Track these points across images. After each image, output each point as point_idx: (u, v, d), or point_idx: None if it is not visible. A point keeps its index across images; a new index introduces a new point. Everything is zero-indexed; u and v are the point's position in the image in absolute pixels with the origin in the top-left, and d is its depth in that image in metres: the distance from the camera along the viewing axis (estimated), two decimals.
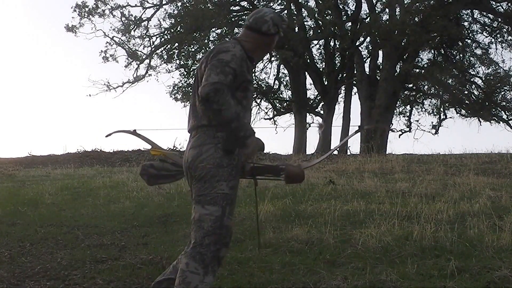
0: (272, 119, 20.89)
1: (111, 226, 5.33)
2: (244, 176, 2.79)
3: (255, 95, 18.71)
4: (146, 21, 19.31)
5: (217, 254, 2.58)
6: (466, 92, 19.04)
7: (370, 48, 19.04)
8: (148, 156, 12.31)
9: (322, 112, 19.79)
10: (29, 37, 36.15)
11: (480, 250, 3.95)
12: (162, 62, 19.29)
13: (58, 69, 37.31)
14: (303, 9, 18.51)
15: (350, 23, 19.05)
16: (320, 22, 18.42)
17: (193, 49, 19.00)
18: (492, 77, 18.45)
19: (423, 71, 18.24)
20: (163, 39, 19.38)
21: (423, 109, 20.23)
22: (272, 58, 19.50)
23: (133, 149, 14.70)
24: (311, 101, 20.57)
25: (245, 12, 18.68)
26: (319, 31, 18.61)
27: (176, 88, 19.44)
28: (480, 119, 18.67)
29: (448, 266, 3.55)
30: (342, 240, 4.35)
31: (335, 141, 18.79)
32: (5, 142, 29.83)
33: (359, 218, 5.19)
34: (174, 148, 13.64)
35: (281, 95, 21.17)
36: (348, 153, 15.37)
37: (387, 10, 18.14)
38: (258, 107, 20.30)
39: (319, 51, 19.92)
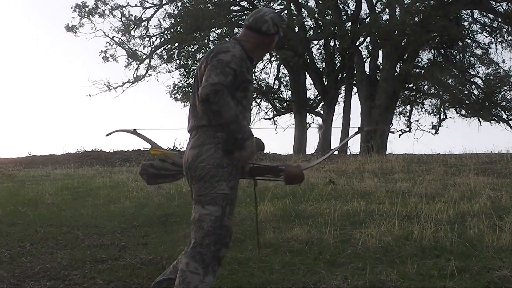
0: (272, 119, 20.92)
1: (111, 226, 5.33)
2: (243, 176, 2.79)
3: (255, 95, 18.71)
4: (146, 21, 19.34)
5: (217, 254, 2.58)
6: (466, 92, 19.05)
7: (370, 48, 19.05)
8: (148, 156, 12.31)
9: (322, 112, 19.79)
10: (29, 37, 36.22)
11: (480, 250, 3.95)
12: (162, 62, 19.32)
13: (58, 69, 37.36)
14: (303, 9, 18.51)
15: (350, 23, 19.06)
16: (320, 22, 18.42)
17: (193, 49, 19.01)
18: (492, 77, 18.46)
19: (423, 71, 18.25)
20: (163, 39, 19.39)
21: (423, 109, 20.28)
22: (272, 58, 19.52)
23: (133, 149, 14.70)
24: (311, 101, 20.58)
25: (245, 12, 18.68)
26: (319, 31, 18.61)
27: (176, 88, 19.47)
28: (480, 119, 18.68)
29: (448, 266, 3.55)
30: (342, 240, 4.35)
31: (335, 141, 18.83)
32: (5, 142, 29.85)
33: (359, 218, 5.19)
34: (174, 148, 13.64)
35: (281, 95, 21.20)
36: (348, 153, 15.37)
37: (387, 10, 18.14)
38: (258, 107, 20.33)
39: (319, 51, 19.95)
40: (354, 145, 19.05)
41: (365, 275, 3.48)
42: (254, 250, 4.12)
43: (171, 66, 19.40)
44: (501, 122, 18.57)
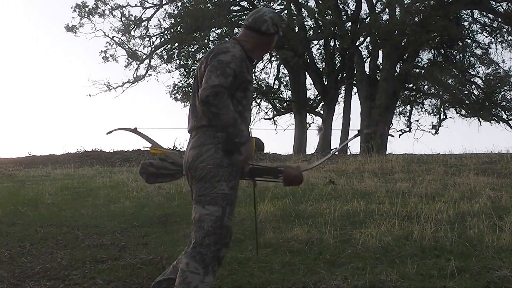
0: (272, 119, 20.92)
1: (111, 226, 5.33)
2: (243, 177, 2.80)
3: (255, 95, 18.73)
4: (146, 21, 19.34)
5: (218, 254, 2.58)
6: (466, 92, 19.05)
7: (370, 48, 19.05)
8: (148, 156, 12.31)
9: (322, 112, 19.79)
10: (29, 37, 36.22)
11: (480, 250, 3.95)
12: (162, 62, 19.33)
13: (58, 69, 37.36)
14: (303, 9, 18.51)
15: (350, 23, 19.05)
16: (320, 22, 18.42)
17: (193, 49, 19.02)
18: (492, 77, 18.46)
19: (423, 71, 18.25)
20: (163, 39, 19.40)
21: (423, 109, 20.28)
22: (272, 58, 19.53)
23: (133, 149, 14.71)
24: (311, 101, 20.58)
25: (245, 12, 18.67)
26: (319, 31, 18.61)
27: (176, 88, 19.47)
28: (480, 119, 18.69)
29: (448, 266, 3.55)
30: (342, 240, 4.35)
31: (335, 141, 18.82)
32: (5, 142, 29.86)
33: (359, 218, 5.19)
34: (174, 148, 13.65)
35: (281, 95, 21.20)
36: (348, 153, 15.37)
37: (387, 10, 18.15)
38: (258, 107, 20.33)
39: (319, 51, 19.95)
40: (354, 145, 19.06)
41: (365, 275, 3.48)
42: (254, 250, 4.11)
43: (171, 66, 19.44)
44: (501, 122, 18.58)
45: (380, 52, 18.37)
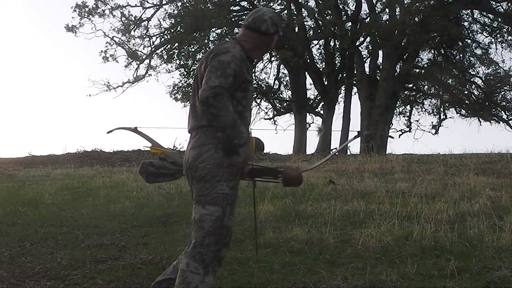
0: (272, 119, 20.91)
1: (111, 226, 5.33)
2: (242, 177, 2.80)
3: (255, 95, 18.73)
4: (146, 21, 19.34)
5: (218, 254, 2.58)
6: (466, 92, 19.05)
7: (370, 48, 19.04)
8: (147, 156, 12.31)
9: (322, 112, 19.79)
10: (29, 37, 36.21)
11: (480, 250, 3.95)
12: (162, 62, 19.33)
13: (58, 69, 37.36)
14: (303, 9, 18.51)
15: (350, 23, 19.05)
16: (320, 22, 18.42)
17: (193, 49, 19.02)
18: (492, 77, 18.47)
19: (423, 71, 18.25)
20: (163, 39, 19.40)
21: (423, 109, 20.28)
22: (272, 58, 19.53)
23: (133, 149, 14.72)
24: (311, 101, 20.58)
25: (245, 12, 18.67)
26: (319, 31, 18.61)
27: (176, 88, 19.47)
28: (480, 119, 18.69)
29: (448, 266, 3.55)
30: (342, 240, 4.35)
31: (335, 141, 18.82)
32: (5, 142, 29.86)
33: (359, 218, 5.19)
34: (174, 148, 13.66)
35: (281, 95, 21.20)
36: (348, 153, 15.37)
37: (387, 10, 18.14)
38: (258, 107, 20.33)
39: (319, 51, 19.95)
40: (354, 145, 19.07)
41: (365, 275, 3.48)
42: (254, 250, 4.11)
43: (171, 66, 19.44)
44: (501, 122, 18.58)
45: (380, 52, 18.37)
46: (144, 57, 19.33)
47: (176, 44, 18.79)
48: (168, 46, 19.26)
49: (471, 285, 3.30)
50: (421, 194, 6.35)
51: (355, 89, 19.24)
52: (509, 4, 17.79)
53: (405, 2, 17.36)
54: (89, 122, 34.83)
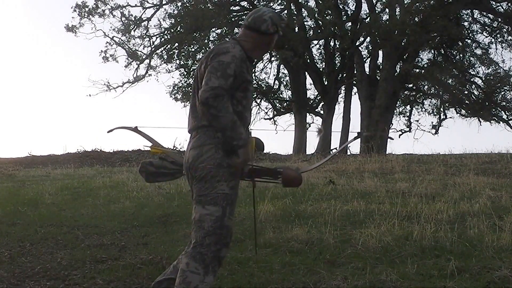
0: (272, 119, 20.91)
1: (111, 226, 5.33)
2: (242, 178, 2.80)
3: (255, 95, 18.72)
4: (146, 21, 19.33)
5: (218, 254, 2.59)
6: (466, 92, 19.04)
7: (370, 48, 19.04)
8: (148, 156, 12.31)
9: (322, 112, 19.78)
10: (29, 37, 36.20)
11: (480, 250, 3.95)
12: (162, 62, 19.32)
13: (58, 69, 37.35)
14: (303, 9, 18.51)
15: (350, 23, 19.04)
16: (320, 22, 18.41)
17: (193, 49, 19.01)
18: (492, 77, 18.46)
19: (423, 71, 18.24)
20: (163, 39, 19.39)
21: (423, 109, 20.27)
22: (272, 58, 19.53)
23: (133, 149, 14.72)
24: (311, 101, 20.57)
25: (245, 12, 18.66)
26: (319, 31, 18.60)
27: (176, 88, 19.46)
28: (480, 119, 18.68)
29: (448, 266, 3.55)
30: (342, 240, 4.35)
31: (335, 142, 18.82)
32: (5, 142, 29.85)
33: (359, 218, 5.19)
34: (174, 148, 13.66)
35: (281, 95, 21.19)
36: (348, 153, 15.36)
37: (387, 10, 18.13)
38: (258, 107, 20.32)
39: (319, 51, 19.94)
40: (354, 145, 19.07)
41: (365, 275, 3.48)
42: (254, 250, 4.12)
43: (171, 66, 19.43)
44: (501, 122, 18.57)
45: (380, 52, 18.36)
46: (144, 57, 19.33)
47: (176, 44, 18.79)
48: (168, 46, 19.26)
49: (471, 285, 3.30)
50: (421, 194, 6.35)
51: (355, 89, 19.24)
52: (509, 4, 17.79)
53: (405, 2, 17.36)
54: (89, 122, 34.85)
